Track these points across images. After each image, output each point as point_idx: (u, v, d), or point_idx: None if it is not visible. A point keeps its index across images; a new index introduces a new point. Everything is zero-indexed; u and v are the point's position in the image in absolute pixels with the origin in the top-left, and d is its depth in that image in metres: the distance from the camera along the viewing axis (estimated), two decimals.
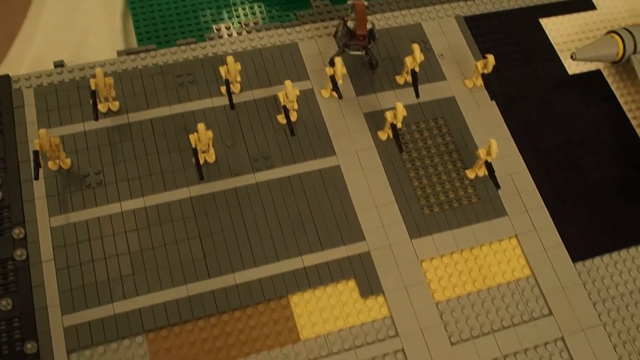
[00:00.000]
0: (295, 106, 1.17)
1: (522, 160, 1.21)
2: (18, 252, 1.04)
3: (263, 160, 1.15)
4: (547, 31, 1.37)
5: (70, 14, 1.54)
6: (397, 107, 1.11)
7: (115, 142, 1.14)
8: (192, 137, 1.07)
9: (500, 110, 1.25)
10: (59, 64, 1.23)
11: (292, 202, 1.12)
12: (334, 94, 1.20)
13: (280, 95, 1.12)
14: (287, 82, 1.11)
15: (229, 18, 1.37)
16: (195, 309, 1.02)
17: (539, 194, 1.18)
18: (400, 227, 1.12)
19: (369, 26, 1.18)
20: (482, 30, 1.34)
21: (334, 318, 1.04)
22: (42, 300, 1.01)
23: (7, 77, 1.20)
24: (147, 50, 1.25)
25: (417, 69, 1.20)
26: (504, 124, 1.24)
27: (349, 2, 1.18)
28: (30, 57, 1.44)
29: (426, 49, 1.30)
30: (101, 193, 1.10)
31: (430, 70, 1.28)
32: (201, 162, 1.12)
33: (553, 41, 1.36)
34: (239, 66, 1.16)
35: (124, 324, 1.00)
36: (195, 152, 1.07)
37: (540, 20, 1.38)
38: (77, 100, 1.17)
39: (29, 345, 0.97)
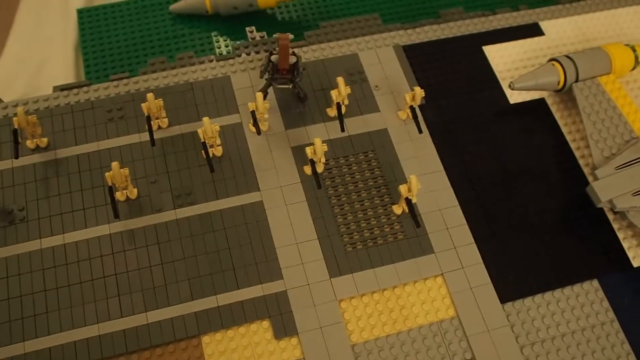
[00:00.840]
0: (218, 142, 1.16)
1: (454, 194, 1.18)
2: None
3: (185, 196, 1.15)
4: (489, 59, 1.34)
5: (30, 44, 1.57)
6: (315, 142, 1.10)
7: (40, 179, 1.15)
8: (108, 175, 1.07)
9: (434, 142, 1.23)
10: None
11: (211, 238, 1.11)
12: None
13: (200, 132, 1.12)
14: (205, 119, 1.10)
15: (168, 51, 1.37)
16: (105, 348, 1.02)
17: (469, 229, 1.15)
18: (320, 265, 1.10)
19: (292, 60, 1.18)
20: (421, 59, 1.32)
21: (245, 359, 1.03)
22: None
23: None
24: (81, 86, 1.26)
25: (344, 102, 1.19)
26: (437, 156, 1.21)
27: (274, 35, 1.17)
28: None
29: (361, 79, 1.29)
30: (23, 230, 1.11)
31: (364, 102, 1.26)
32: (122, 198, 1.13)
33: (496, 69, 1.33)
34: (160, 102, 1.16)
35: None
36: (110, 190, 1.07)
37: (484, 47, 1.35)
38: (7, 137, 1.19)
39: None
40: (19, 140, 1.12)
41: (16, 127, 1.11)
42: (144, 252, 1.09)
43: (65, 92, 1.25)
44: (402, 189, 1.10)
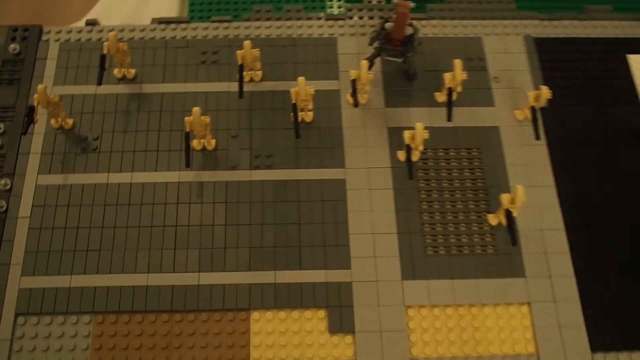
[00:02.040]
0: (310, 106, 1.06)
1: (561, 216, 1.03)
2: None
3: (264, 158, 1.06)
4: (633, 70, 1.17)
5: None
6: (416, 127, 0.98)
7: (121, 111, 1.10)
8: (187, 120, 0.99)
9: (550, 152, 1.08)
10: (91, 22, 1.19)
11: (283, 209, 1.02)
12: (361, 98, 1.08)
13: (292, 92, 1.02)
14: (300, 79, 1.00)
15: (277, 1, 1.28)
16: (150, 301, 0.95)
17: (570, 258, 1.00)
18: (394, 263, 0.99)
19: (408, 31, 1.05)
20: (553, 56, 1.16)
21: (293, 345, 0.94)
22: (6, 256, 0.98)
23: (39, 28, 1.18)
24: (180, 22, 1.19)
25: (457, 88, 1.06)
26: (550, 169, 1.07)
27: (394, 0, 1.05)
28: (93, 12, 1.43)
29: (480, 67, 1.15)
30: (93, 160, 1.06)
31: (478, 93, 1.13)
32: (199, 147, 1.05)
33: (638, 82, 1.16)
34: (256, 53, 1.07)
35: (75, 300, 0.95)
36: (187, 136, 1.00)
37: (628, 56, 1.18)
38: (98, 62, 1.13)
39: None
40: (105, 67, 1.06)
41: (105, 52, 1.05)
42: (210, 209, 1.02)
43: (162, 26, 1.18)
44: (504, 198, 0.97)
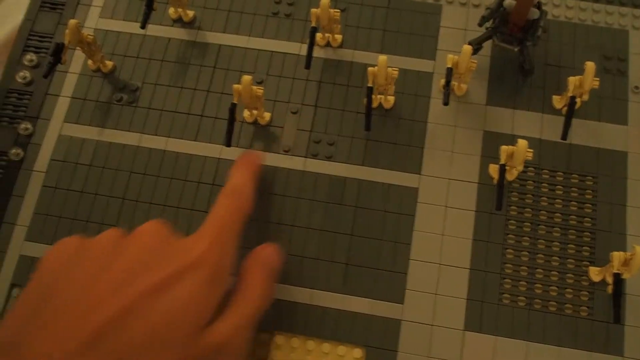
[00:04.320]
0: (391, 90, 0.85)
1: None
2: (14, 151, 0.88)
3: (325, 145, 0.86)
4: None
5: None
6: (518, 145, 0.76)
7: (169, 60, 0.92)
8: (235, 89, 0.81)
9: None
10: None
11: (335, 212, 0.83)
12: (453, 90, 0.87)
13: (369, 73, 0.81)
14: (381, 58, 0.79)
15: None
16: None
17: None
18: (458, 307, 0.79)
19: (533, 14, 0.81)
20: None
21: None
22: (14, 214, 0.85)
23: None
24: None
25: (583, 98, 0.82)
26: None
27: None
28: None
29: (619, 71, 0.89)
30: (127, 115, 0.90)
31: (610, 104, 0.88)
32: (250, 120, 0.87)
33: None
34: (337, 15, 0.86)
35: None
36: (232, 108, 0.81)
37: None
38: None
39: None
40: (155, 6, 0.88)
41: None
42: None
43: None
44: (616, 258, 0.74)
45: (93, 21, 0.95)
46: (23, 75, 0.92)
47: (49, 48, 0.94)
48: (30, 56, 0.94)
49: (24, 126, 0.90)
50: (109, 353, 0.55)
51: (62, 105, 0.91)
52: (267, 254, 0.73)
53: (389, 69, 0.80)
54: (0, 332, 0.59)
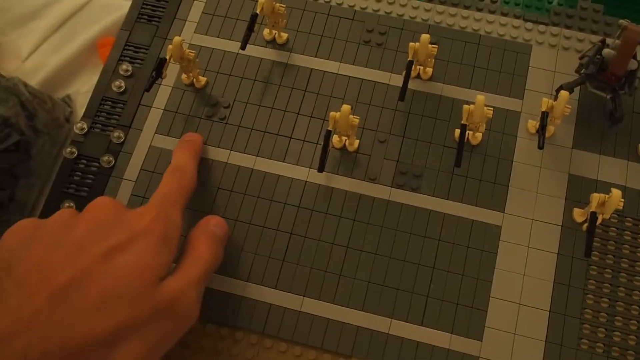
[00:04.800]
0: (482, 128, 0.87)
1: None
2: (106, 158, 0.91)
3: (412, 177, 0.88)
4: None
5: None
6: (612, 194, 0.77)
7: (261, 80, 0.94)
8: (332, 116, 0.83)
9: None
10: None
11: (417, 244, 0.84)
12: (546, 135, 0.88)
13: (465, 110, 0.82)
14: (479, 98, 0.81)
15: None
16: (241, 312, 0.82)
17: None
18: (537, 349, 0.80)
19: (632, 65, 0.82)
20: None
21: None
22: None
23: None
24: None
25: None
26: None
27: (620, 21, 0.82)
28: None
29: None
30: (217, 131, 0.92)
31: None
32: (338, 146, 0.89)
33: None
34: (434, 50, 0.87)
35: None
36: (327, 136, 0.83)
37: None
38: (249, 15, 0.98)
39: None
40: (254, 28, 0.90)
41: (257, 11, 0.90)
42: (334, 223, 0.86)
43: None
44: None
45: (188, 36, 0.98)
46: (118, 84, 0.95)
47: (143, 59, 0.97)
48: (125, 66, 0.96)
49: (117, 134, 0.92)
50: (69, 310, 0.61)
51: (154, 116, 0.93)
52: (211, 222, 0.78)
53: (485, 108, 0.82)
54: None
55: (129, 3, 1.05)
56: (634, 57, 0.83)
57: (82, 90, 1.13)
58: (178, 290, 0.67)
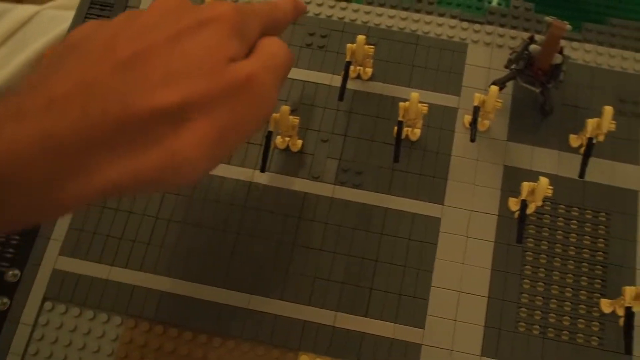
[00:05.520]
0: (420, 124, 0.90)
1: None
2: None
3: (353, 174, 0.91)
4: None
5: None
6: (540, 182, 0.80)
7: None
8: (273, 117, 0.85)
9: None
10: None
11: (361, 239, 0.87)
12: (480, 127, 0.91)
13: (401, 108, 0.86)
14: (414, 96, 0.84)
15: None
16: (191, 316, 0.84)
17: None
18: (476, 333, 0.83)
19: (557, 59, 0.86)
20: None
21: None
22: (48, 228, 0.89)
23: None
24: None
25: (599, 138, 0.87)
26: None
27: (546, 18, 0.86)
28: None
29: (633, 114, 0.94)
30: None
31: (624, 145, 0.93)
32: (282, 146, 0.92)
33: None
34: (370, 51, 0.91)
35: (110, 296, 0.85)
36: (268, 137, 0.86)
37: None
38: None
39: (11, 273, 0.86)
40: None
41: None
42: (279, 222, 0.88)
43: None
44: (628, 292, 0.78)
45: None
46: None
47: None
48: None
49: None
50: (132, 80, 0.56)
51: None
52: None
53: (420, 104, 0.85)
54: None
55: None
56: (561, 52, 0.87)
57: None
58: (253, 71, 0.60)
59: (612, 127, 0.85)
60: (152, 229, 0.88)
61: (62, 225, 0.89)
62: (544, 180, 0.80)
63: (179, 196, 0.90)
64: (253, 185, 0.90)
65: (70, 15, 1.18)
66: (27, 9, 1.22)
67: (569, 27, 0.84)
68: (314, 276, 0.85)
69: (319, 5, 1.02)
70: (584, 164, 0.85)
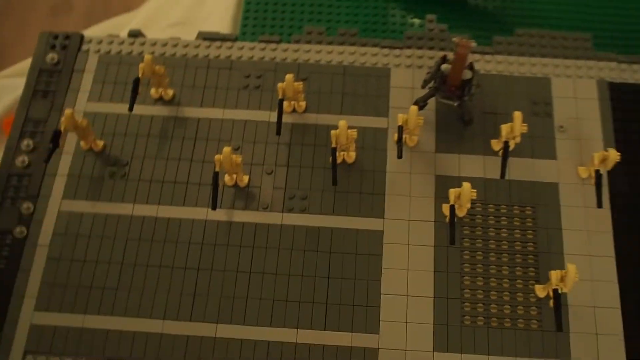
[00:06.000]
0: (353, 147, 0.98)
1: (618, 292, 0.93)
2: (19, 229, 0.98)
3: (299, 200, 0.98)
4: None
5: None
6: (463, 187, 0.89)
7: (154, 135, 1.04)
8: (217, 159, 0.93)
9: (614, 219, 0.97)
10: (134, 34, 1.13)
11: (312, 259, 0.95)
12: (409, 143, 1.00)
13: (332, 135, 0.94)
14: (341, 124, 0.92)
15: (327, 21, 1.19)
16: (163, 349, 0.90)
17: (623, 343, 0.90)
18: (427, 331, 0.91)
19: (466, 75, 0.95)
20: (628, 106, 1.04)
21: None
22: (22, 287, 0.95)
23: (79, 36, 1.13)
24: (225, 39, 1.11)
25: (516, 140, 0.96)
26: (612, 239, 0.96)
27: (454, 38, 0.95)
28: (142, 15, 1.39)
29: (545, 113, 1.04)
30: (120, 188, 1.01)
31: (540, 142, 1.02)
32: (230, 183, 0.99)
33: None
34: (299, 87, 0.99)
35: (87, 342, 0.91)
36: (215, 177, 0.93)
37: None
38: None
39: None
40: (139, 90, 0.99)
41: (140, 75, 0.99)
42: (235, 253, 0.95)
43: (207, 43, 1.11)
44: (554, 275, 0.87)
45: (82, 105, 1.06)
46: (22, 159, 1.03)
47: (43, 132, 1.05)
48: (27, 141, 1.04)
49: (26, 206, 1.00)
50: None
51: (59, 183, 1.01)
52: None
53: (349, 130, 0.93)
54: None
55: None
56: (471, 68, 0.96)
57: None
58: None
59: (524, 129, 0.94)
60: (119, 274, 0.95)
61: (35, 281, 0.95)
62: (466, 185, 0.89)
63: (141, 241, 0.97)
64: (208, 222, 0.98)
65: (20, 82, 1.26)
66: None
67: (473, 44, 0.94)
68: (272, 299, 0.92)
69: (251, 49, 1.10)
70: (503, 166, 0.93)
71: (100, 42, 1.13)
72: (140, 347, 0.90)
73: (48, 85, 1.09)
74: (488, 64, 1.07)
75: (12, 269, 0.96)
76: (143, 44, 1.12)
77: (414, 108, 0.93)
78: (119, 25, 1.45)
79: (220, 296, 0.93)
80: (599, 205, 0.94)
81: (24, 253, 0.97)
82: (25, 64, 1.36)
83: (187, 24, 1.39)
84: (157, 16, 1.42)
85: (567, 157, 1.01)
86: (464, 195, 0.89)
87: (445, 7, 1.23)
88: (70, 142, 1.04)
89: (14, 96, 1.24)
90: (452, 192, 0.90)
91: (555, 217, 0.97)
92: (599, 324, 0.91)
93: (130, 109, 0.98)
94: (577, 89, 1.05)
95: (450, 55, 0.98)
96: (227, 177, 0.99)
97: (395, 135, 1.01)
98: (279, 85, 0.98)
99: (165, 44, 1.11)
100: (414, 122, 0.94)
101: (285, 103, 1.01)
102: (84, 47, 1.12)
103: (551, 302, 0.88)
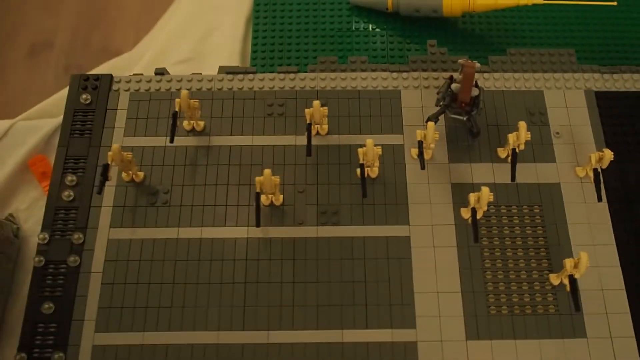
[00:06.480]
0: (377, 163, 1.08)
1: (621, 276, 1.04)
2: (72, 258, 1.05)
3: (331, 214, 1.08)
4: None
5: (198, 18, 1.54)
6: (482, 191, 1.00)
7: (191, 164, 1.13)
8: (258, 180, 1.02)
9: (611, 211, 1.09)
10: (160, 72, 1.22)
11: (349, 266, 1.04)
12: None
13: (360, 153, 1.04)
14: (369, 142, 1.02)
15: (340, 50, 1.30)
16: (221, 358, 0.98)
17: (631, 319, 1.01)
18: (459, 323, 1.01)
19: (474, 92, 1.07)
20: (613, 112, 1.17)
21: None
22: (81, 312, 1.02)
23: (109, 77, 1.21)
24: (247, 72, 1.21)
25: (519, 148, 1.07)
26: (611, 229, 1.08)
27: (459, 60, 1.07)
28: (152, 52, 1.47)
29: (541, 122, 1.16)
30: (163, 214, 1.09)
31: (540, 148, 1.14)
32: (267, 203, 1.08)
33: None
34: (325, 111, 1.09)
35: (148, 357, 0.99)
36: (257, 197, 1.02)
37: None
38: (167, 112, 1.17)
39: (56, 356, 0.98)
40: (177, 123, 1.08)
41: (177, 109, 1.08)
42: (278, 266, 1.04)
43: (229, 76, 1.21)
44: (568, 263, 0.98)
45: (119, 140, 1.15)
46: (68, 194, 1.10)
47: (84, 168, 1.13)
48: (70, 177, 1.12)
49: (77, 236, 1.07)
50: None
51: (105, 213, 1.09)
52: None
53: (374, 147, 1.03)
54: None
55: (51, 121, 1.23)
56: (476, 85, 1.08)
57: (21, 207, 1.26)
58: None
59: (528, 137, 1.06)
60: (172, 294, 1.03)
61: (92, 305, 1.02)
62: (485, 189, 1.00)
63: (189, 261, 1.05)
64: (250, 240, 1.06)
65: (43, 123, 1.33)
66: (2, 124, 1.35)
67: (478, 65, 1.05)
68: (316, 305, 1.01)
69: (271, 79, 1.20)
70: (513, 170, 1.05)
71: (129, 81, 1.21)
72: (199, 357, 0.98)
73: (84, 124, 1.17)
74: (487, 81, 1.19)
75: (69, 296, 1.03)
76: (170, 80, 1.21)
77: (431, 124, 1.04)
78: (124, 67, 1.52)
79: (269, 305, 1.02)
80: (599, 199, 1.06)
81: (79, 280, 1.04)
82: (44, 105, 1.42)
83: (194, 60, 1.47)
84: (164, 54, 1.50)
85: (565, 159, 1.13)
86: (483, 198, 0.99)
87: (435, 31, 1.35)
88: (112, 175, 1.11)
89: (39, 136, 1.31)
90: (472, 196, 1.01)
91: (560, 213, 1.08)
92: (608, 304, 1.02)
93: (172, 140, 1.07)
94: (568, 99, 1.18)
95: (456, 75, 1.10)
96: (263, 197, 1.08)
97: (413, 150, 1.12)
98: (307, 110, 1.08)
99: (190, 80, 1.21)
100: (431, 137, 1.05)
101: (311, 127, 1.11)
102: (114, 86, 1.21)
103: (567, 287, 0.99)
